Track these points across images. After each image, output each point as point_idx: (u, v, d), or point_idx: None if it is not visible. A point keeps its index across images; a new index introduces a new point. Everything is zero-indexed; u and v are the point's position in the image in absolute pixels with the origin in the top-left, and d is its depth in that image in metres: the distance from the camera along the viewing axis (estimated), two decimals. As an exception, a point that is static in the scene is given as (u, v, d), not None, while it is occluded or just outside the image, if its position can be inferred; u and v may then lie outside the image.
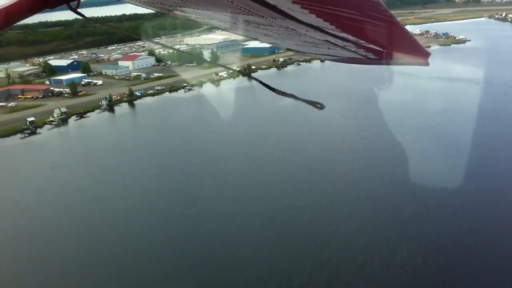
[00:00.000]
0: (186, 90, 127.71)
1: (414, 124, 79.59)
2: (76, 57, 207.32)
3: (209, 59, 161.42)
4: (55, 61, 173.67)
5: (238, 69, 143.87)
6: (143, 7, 4.69)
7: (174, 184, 64.58)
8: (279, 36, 4.46)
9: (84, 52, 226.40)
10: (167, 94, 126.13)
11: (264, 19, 3.44)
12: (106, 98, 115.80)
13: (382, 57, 3.64)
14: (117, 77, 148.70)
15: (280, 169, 66.44)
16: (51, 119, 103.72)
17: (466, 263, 41.94)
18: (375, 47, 3.44)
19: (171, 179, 66.46)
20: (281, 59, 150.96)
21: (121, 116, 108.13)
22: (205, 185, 62.72)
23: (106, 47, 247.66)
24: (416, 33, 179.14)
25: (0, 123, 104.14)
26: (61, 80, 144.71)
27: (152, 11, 5.59)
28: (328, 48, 4.19)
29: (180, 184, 64.23)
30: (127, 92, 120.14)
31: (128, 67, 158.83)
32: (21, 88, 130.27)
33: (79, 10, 3.85)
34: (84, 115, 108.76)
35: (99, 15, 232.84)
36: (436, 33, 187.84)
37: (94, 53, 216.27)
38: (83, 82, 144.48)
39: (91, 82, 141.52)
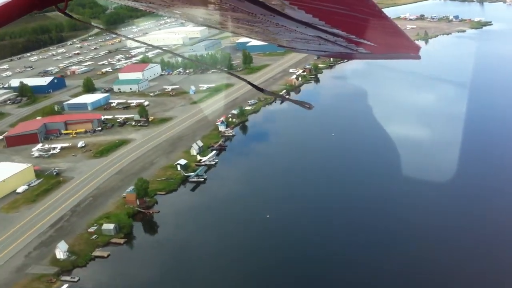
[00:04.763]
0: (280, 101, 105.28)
1: None
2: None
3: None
4: (29, 80, 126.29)
5: (302, 71, 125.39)
6: (128, 4, 4.45)
7: None
8: (270, 33, 4.36)
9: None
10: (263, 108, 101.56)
11: (253, 17, 3.32)
12: (223, 121, 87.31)
13: (373, 52, 3.69)
14: (152, 94, 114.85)
15: None
16: (200, 158, 73.06)
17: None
18: (366, 41, 3.44)
19: None
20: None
21: (273, 143, 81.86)
22: None
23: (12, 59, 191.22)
24: (411, 18, 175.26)
25: (119, 173, 69.61)
26: (84, 104, 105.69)
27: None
28: (320, 44, 4.10)
29: None
30: (236, 112, 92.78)
31: (147, 79, 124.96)
32: (64, 121, 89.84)
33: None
34: (226, 147, 79.90)
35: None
36: (436, 16, 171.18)
37: (29, 67, 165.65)
38: (114, 104, 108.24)
39: (131, 103, 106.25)
